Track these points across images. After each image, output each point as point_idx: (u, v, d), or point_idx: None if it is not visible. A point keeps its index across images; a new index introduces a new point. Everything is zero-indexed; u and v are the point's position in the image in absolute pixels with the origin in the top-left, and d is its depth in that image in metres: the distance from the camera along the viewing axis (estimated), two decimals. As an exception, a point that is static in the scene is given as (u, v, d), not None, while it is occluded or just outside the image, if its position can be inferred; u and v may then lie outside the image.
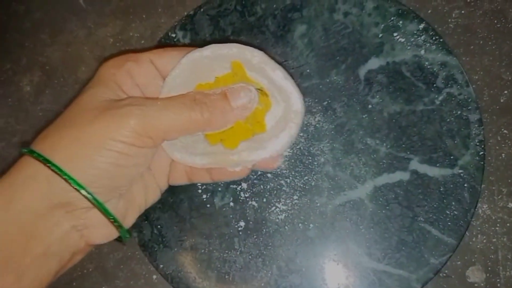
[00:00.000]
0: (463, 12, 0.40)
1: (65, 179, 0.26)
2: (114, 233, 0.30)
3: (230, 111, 0.29)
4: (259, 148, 0.30)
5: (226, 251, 0.38)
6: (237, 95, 0.29)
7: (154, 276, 0.40)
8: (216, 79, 0.31)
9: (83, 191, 0.26)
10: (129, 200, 0.31)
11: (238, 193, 0.39)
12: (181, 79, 0.31)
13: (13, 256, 0.26)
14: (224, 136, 0.31)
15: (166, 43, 0.42)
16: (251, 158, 0.30)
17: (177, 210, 0.39)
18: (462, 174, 0.36)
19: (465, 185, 0.36)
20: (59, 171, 0.26)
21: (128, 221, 0.31)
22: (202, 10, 0.42)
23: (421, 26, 0.38)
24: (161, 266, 0.38)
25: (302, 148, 0.39)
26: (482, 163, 0.36)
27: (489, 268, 0.37)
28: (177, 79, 0.31)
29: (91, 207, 0.27)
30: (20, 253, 0.26)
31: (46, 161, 0.26)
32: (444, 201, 0.36)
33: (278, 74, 0.30)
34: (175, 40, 0.42)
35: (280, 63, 0.30)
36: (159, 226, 0.39)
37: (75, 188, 0.26)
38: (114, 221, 0.29)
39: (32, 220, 0.26)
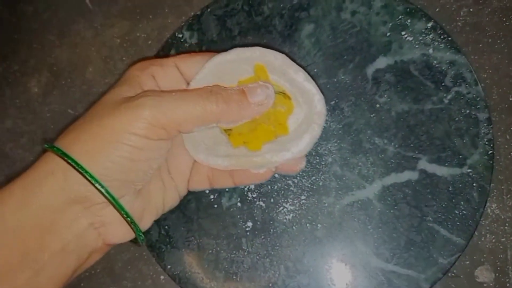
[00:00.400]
0: (471, 10, 0.40)
1: (80, 172, 0.26)
2: (130, 233, 0.30)
3: (247, 106, 0.29)
4: (282, 150, 0.31)
5: (234, 252, 0.38)
6: (254, 92, 0.30)
7: (162, 277, 0.40)
8: (239, 82, 0.32)
9: (96, 184, 0.26)
10: (146, 202, 0.31)
11: (245, 193, 0.39)
12: (205, 83, 0.31)
13: (30, 251, 0.26)
14: (247, 139, 0.31)
15: (173, 43, 0.42)
16: (274, 159, 0.31)
17: (185, 211, 0.39)
18: (471, 174, 0.36)
19: (474, 184, 0.36)
20: (75, 164, 0.26)
21: (145, 223, 0.31)
22: (209, 10, 0.42)
23: (429, 24, 0.38)
24: (169, 266, 0.38)
25: (309, 148, 0.39)
26: (491, 162, 0.36)
27: (498, 268, 0.36)
28: (201, 82, 0.31)
29: (107, 203, 0.28)
30: (37, 248, 0.26)
31: (63, 155, 0.26)
32: (453, 200, 0.36)
33: (301, 76, 0.30)
34: (182, 40, 0.42)
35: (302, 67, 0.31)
36: (166, 227, 0.39)
37: (90, 181, 0.26)
38: (127, 216, 0.29)
39: (49, 215, 0.26)
